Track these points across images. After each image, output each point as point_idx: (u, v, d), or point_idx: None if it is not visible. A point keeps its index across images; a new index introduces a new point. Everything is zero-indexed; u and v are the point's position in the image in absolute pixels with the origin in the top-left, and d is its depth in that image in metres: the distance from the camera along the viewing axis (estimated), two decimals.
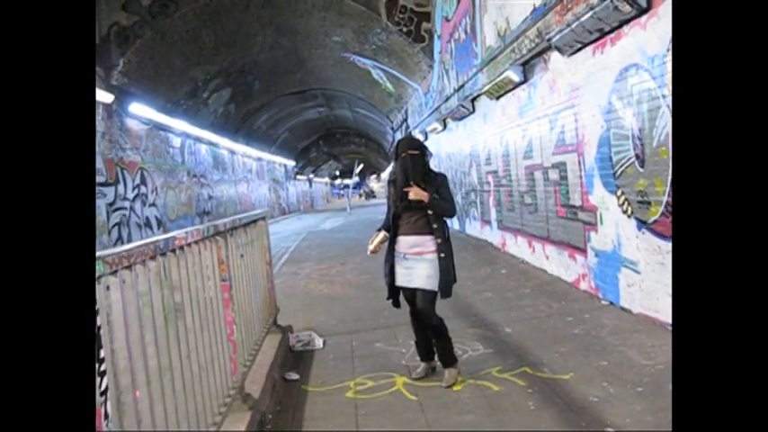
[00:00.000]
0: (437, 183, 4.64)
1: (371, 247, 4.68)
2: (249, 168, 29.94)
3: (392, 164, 4.99)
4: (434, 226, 4.52)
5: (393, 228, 4.67)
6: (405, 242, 4.59)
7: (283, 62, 21.05)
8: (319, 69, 23.12)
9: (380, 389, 4.64)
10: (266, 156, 33.17)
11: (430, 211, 4.53)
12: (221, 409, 3.30)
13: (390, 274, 4.68)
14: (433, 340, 4.69)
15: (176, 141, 18.32)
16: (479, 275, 9.08)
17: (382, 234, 4.70)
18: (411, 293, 4.64)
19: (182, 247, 2.94)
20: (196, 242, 3.18)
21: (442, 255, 4.49)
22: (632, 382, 4.23)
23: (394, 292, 4.74)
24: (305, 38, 18.66)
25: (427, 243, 4.52)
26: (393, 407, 4.27)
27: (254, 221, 5.20)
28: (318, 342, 6.03)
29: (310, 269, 11.76)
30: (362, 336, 6.21)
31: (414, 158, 4.61)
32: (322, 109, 33.08)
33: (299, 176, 46.94)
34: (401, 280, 4.63)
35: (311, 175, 54.64)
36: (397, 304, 4.80)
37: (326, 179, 72.64)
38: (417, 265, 4.53)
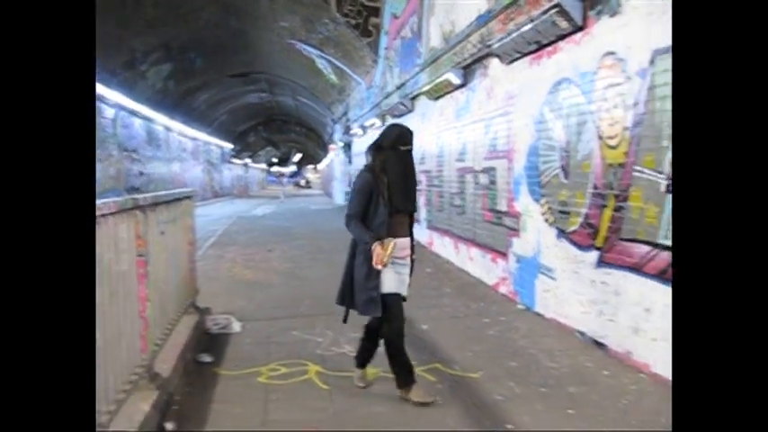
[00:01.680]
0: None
1: (386, 260, 3.83)
2: (184, 147, 29.30)
3: (374, 150, 4.18)
4: (412, 228, 4.28)
5: (387, 229, 3.99)
6: (398, 245, 4.02)
7: (228, 42, 20.69)
8: (265, 54, 22.85)
9: (293, 375, 4.65)
10: (203, 136, 32.54)
11: (415, 213, 4.29)
12: (126, 386, 3.25)
13: (377, 287, 3.98)
14: (374, 349, 4.33)
15: (109, 112, 17.76)
16: None
17: (393, 241, 3.89)
18: (398, 301, 4.09)
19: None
20: (112, 214, 3.11)
21: (414, 256, 4.29)
22: (537, 383, 4.39)
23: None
24: (253, 19, 18.39)
25: (408, 245, 4.18)
26: (303, 394, 4.29)
27: (179, 200, 5.11)
28: (236, 326, 5.99)
29: (236, 253, 11.62)
30: (281, 323, 6.20)
31: (411, 155, 4.22)
32: (264, 94, 32.71)
33: (234, 160, 46.25)
34: (393, 286, 4.02)
35: (248, 160, 53.88)
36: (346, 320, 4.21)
37: (263, 165, 71.78)
38: (405, 270, 4.14)
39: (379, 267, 3.86)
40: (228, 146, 41.68)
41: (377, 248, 3.84)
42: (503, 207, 7.52)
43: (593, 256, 5.31)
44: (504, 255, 7.46)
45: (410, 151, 4.17)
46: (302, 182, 71.98)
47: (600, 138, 5.19)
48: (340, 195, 30.36)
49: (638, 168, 4.64)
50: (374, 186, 3.99)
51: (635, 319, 4.73)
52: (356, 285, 4.05)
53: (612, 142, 5.00)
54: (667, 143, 4.28)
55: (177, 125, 26.34)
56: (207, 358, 5.02)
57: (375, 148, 4.17)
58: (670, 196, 4.26)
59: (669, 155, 4.26)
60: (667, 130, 4.29)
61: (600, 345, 5.21)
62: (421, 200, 12.34)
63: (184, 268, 5.39)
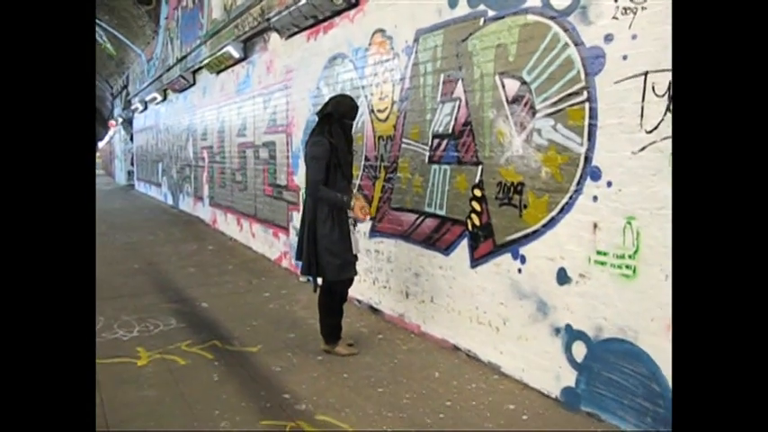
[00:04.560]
0: None
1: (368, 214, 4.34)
2: None
3: (326, 118, 4.25)
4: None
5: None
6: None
7: None
8: None
9: None
10: None
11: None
12: None
13: (350, 248, 4.30)
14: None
15: None
16: (185, 251, 8.90)
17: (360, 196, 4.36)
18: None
19: None
20: None
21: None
22: (314, 352, 4.48)
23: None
24: None
25: None
26: None
27: None
28: None
29: None
30: None
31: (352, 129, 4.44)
32: None
33: None
34: (358, 247, 4.43)
35: None
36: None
37: None
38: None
39: (366, 218, 4.47)
40: None
41: (359, 203, 4.16)
42: (282, 181, 7.54)
43: (367, 225, 5.51)
44: (285, 229, 7.50)
45: (352, 126, 4.39)
46: None
47: (371, 111, 5.38)
48: (122, 175, 28.58)
49: (406, 140, 4.88)
50: (331, 155, 4.13)
51: (406, 284, 5.00)
52: (325, 252, 4.18)
53: (382, 116, 5.21)
54: (430, 116, 4.56)
55: None
56: None
57: (326, 117, 4.25)
58: (433, 166, 4.55)
59: (432, 127, 4.55)
60: (430, 104, 4.56)
61: (376, 311, 5.45)
62: (203, 177, 12.01)
63: None
